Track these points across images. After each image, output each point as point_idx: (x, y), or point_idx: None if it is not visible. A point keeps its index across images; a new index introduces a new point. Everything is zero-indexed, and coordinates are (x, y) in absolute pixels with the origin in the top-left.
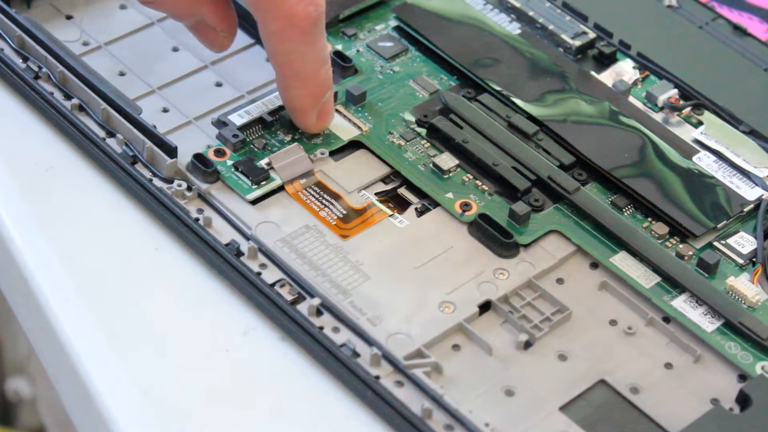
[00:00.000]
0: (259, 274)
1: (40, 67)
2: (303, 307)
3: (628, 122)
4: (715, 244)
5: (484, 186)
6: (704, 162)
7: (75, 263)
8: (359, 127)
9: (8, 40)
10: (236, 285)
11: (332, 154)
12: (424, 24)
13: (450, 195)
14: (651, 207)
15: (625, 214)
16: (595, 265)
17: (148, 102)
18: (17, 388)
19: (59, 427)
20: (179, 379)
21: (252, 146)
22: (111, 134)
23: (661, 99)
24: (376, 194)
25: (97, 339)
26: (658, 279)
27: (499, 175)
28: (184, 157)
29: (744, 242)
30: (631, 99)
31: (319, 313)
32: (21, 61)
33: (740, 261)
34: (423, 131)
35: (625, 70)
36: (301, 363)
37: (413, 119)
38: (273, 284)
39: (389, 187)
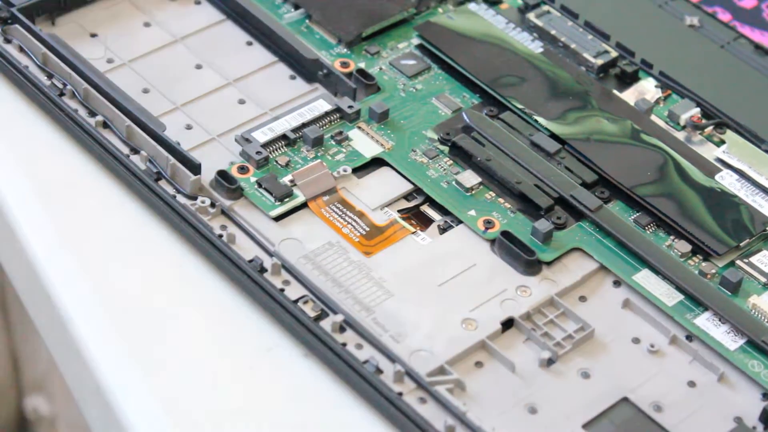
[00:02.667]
0: (282, 290)
1: (64, 84)
2: (326, 324)
3: (650, 141)
4: (738, 262)
5: (506, 204)
6: (727, 181)
7: (99, 280)
8: (382, 145)
9: (33, 57)
10: (259, 301)
11: (355, 171)
12: (447, 42)
13: (473, 212)
14: (673, 225)
15: (648, 232)
16: (617, 282)
17: (172, 119)
18: (36, 405)
19: None
20: (203, 395)
21: (275, 163)
22: (135, 151)
23: (684, 118)
24: (398, 211)
25: (120, 355)
26: (681, 297)
27: (521, 193)
28: (208, 174)
29: (767, 261)
30: (654, 118)
31: (342, 329)
32: (46, 78)
33: (763, 279)
34: (445, 149)
35: (647, 88)
36: (325, 379)
37: (436, 137)
38: (296, 301)
39: (412, 204)
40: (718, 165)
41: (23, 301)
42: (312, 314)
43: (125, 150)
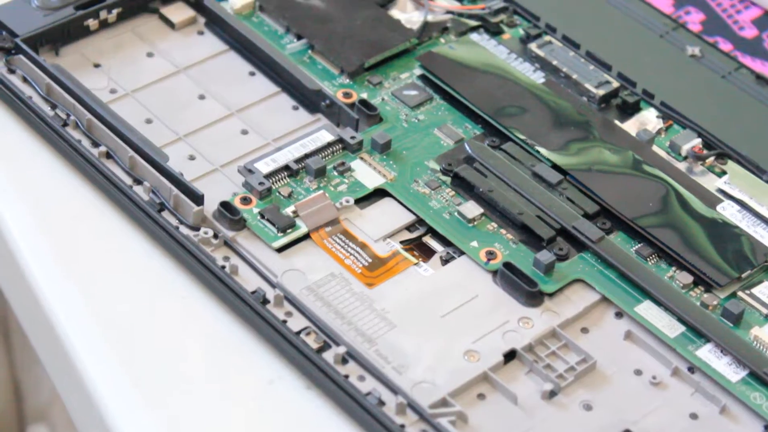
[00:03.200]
0: (284, 322)
1: (68, 115)
2: (329, 356)
3: (651, 171)
4: (740, 293)
5: (508, 235)
6: (728, 211)
7: (102, 310)
8: (384, 176)
9: (37, 87)
10: (262, 333)
11: (357, 202)
12: (449, 73)
13: (475, 243)
14: (675, 256)
15: (650, 263)
16: (619, 314)
17: (175, 149)
18: None
19: None
20: (205, 427)
21: (278, 194)
22: (138, 182)
23: (685, 148)
24: (401, 242)
25: (124, 386)
26: (683, 329)
27: (523, 224)
28: (211, 205)
29: None
30: (655, 148)
31: (344, 361)
32: (49, 108)
33: (765, 311)
34: (448, 180)
35: (648, 119)
36: (327, 411)
37: (438, 168)
38: (299, 332)
39: (414, 235)
40: (720, 196)
41: (25, 330)
42: (314, 346)
43: (128, 181)
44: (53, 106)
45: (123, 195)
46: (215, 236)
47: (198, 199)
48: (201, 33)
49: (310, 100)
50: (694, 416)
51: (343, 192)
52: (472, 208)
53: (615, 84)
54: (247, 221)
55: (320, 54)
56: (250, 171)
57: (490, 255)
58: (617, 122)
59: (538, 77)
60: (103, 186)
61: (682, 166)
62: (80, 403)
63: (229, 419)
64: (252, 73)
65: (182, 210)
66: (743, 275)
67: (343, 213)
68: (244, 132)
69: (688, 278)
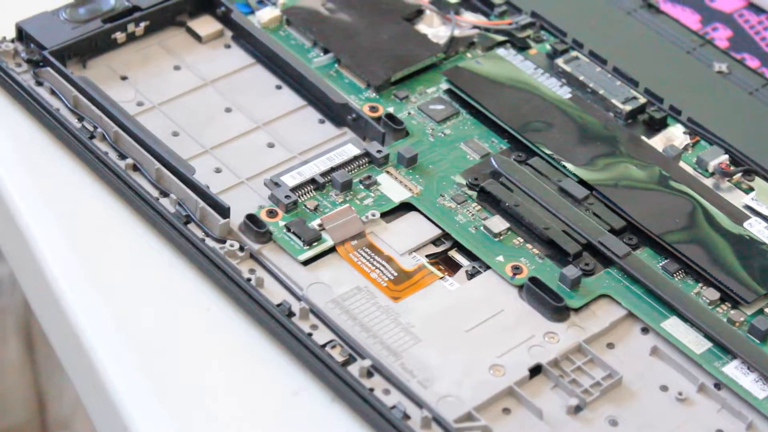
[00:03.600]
0: (310, 335)
1: (95, 127)
2: (354, 369)
3: (678, 187)
4: (767, 310)
5: (534, 249)
6: (755, 228)
7: (128, 322)
8: (410, 189)
9: (64, 100)
10: (287, 345)
11: (383, 216)
12: (475, 87)
13: (501, 258)
14: (702, 272)
15: (676, 279)
16: (645, 330)
17: (201, 162)
18: None
19: None
20: None
21: (304, 207)
22: (164, 194)
23: (712, 164)
24: (426, 256)
25: (148, 398)
26: (709, 345)
27: (549, 239)
28: (237, 218)
29: None
30: (682, 164)
31: (369, 374)
32: (77, 120)
33: None
34: (474, 194)
35: (675, 135)
36: (352, 425)
37: (464, 182)
38: (324, 345)
39: (440, 249)
40: (747, 212)
41: (50, 340)
42: (340, 359)
43: (155, 193)
44: (80, 119)
45: (149, 207)
46: (241, 249)
47: (224, 211)
48: (228, 46)
49: (336, 113)
50: None
51: (369, 206)
52: (498, 223)
53: (642, 100)
54: (273, 234)
55: (347, 68)
56: (276, 184)
57: (516, 270)
58: (644, 138)
59: (564, 92)
60: (129, 198)
61: (709, 182)
62: (103, 412)
63: (254, 431)
64: (278, 87)
65: (208, 222)
66: None
67: (368, 226)
68: (271, 145)
69: (714, 294)
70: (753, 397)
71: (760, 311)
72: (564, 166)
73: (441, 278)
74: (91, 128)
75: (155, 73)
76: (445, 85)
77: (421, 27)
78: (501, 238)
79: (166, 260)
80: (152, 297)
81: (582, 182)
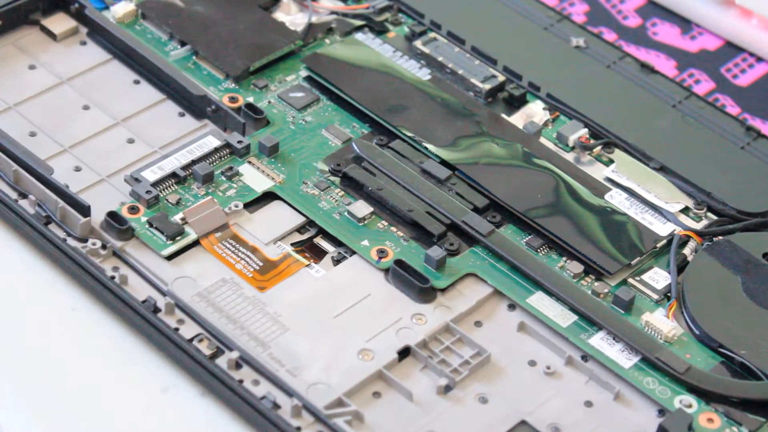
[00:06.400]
0: (176, 329)
1: None
2: (222, 361)
3: (540, 163)
4: (630, 280)
5: (399, 232)
6: (616, 200)
7: None
8: (273, 179)
9: None
10: (154, 342)
11: (247, 206)
12: (334, 73)
13: (366, 242)
14: (565, 246)
15: (540, 254)
16: (512, 306)
17: (60, 161)
18: None
19: None
20: None
21: (166, 202)
22: (23, 195)
23: (572, 139)
24: (292, 245)
25: (12, 400)
26: (575, 318)
27: (413, 221)
28: (98, 216)
29: (658, 278)
30: (543, 140)
31: (238, 366)
32: None
33: (655, 296)
34: (337, 180)
35: (535, 111)
36: (223, 418)
37: (327, 168)
38: (191, 339)
39: (305, 237)
40: (608, 184)
41: None
42: (207, 352)
43: (13, 195)
44: None
45: (8, 209)
46: (104, 247)
47: (85, 210)
48: (83, 43)
49: (195, 106)
50: (588, 404)
51: (232, 197)
52: (361, 207)
53: (501, 78)
54: (135, 230)
55: (205, 59)
56: (136, 180)
57: (381, 253)
58: (504, 116)
59: (424, 74)
60: None
61: (569, 156)
62: None
63: (124, 429)
64: (137, 82)
65: (69, 222)
66: (633, 262)
67: (232, 218)
68: (131, 141)
69: (578, 267)
70: (619, 367)
71: (624, 282)
72: (426, 148)
73: (307, 266)
74: None
75: (10, 74)
76: (304, 73)
77: (279, 15)
78: (365, 222)
79: (29, 261)
80: (15, 299)
81: (444, 163)
